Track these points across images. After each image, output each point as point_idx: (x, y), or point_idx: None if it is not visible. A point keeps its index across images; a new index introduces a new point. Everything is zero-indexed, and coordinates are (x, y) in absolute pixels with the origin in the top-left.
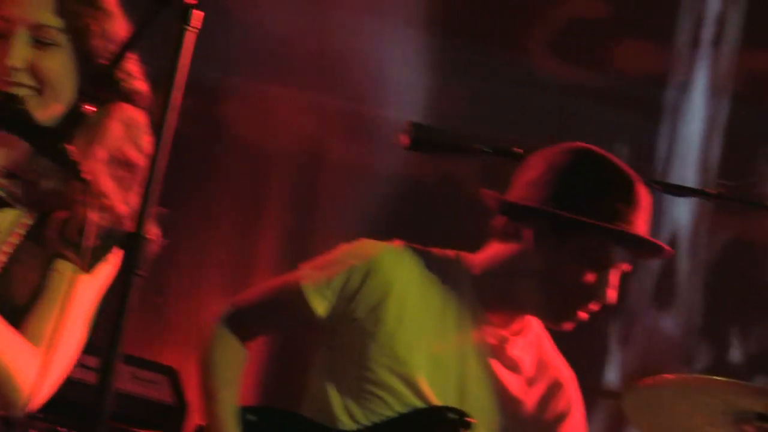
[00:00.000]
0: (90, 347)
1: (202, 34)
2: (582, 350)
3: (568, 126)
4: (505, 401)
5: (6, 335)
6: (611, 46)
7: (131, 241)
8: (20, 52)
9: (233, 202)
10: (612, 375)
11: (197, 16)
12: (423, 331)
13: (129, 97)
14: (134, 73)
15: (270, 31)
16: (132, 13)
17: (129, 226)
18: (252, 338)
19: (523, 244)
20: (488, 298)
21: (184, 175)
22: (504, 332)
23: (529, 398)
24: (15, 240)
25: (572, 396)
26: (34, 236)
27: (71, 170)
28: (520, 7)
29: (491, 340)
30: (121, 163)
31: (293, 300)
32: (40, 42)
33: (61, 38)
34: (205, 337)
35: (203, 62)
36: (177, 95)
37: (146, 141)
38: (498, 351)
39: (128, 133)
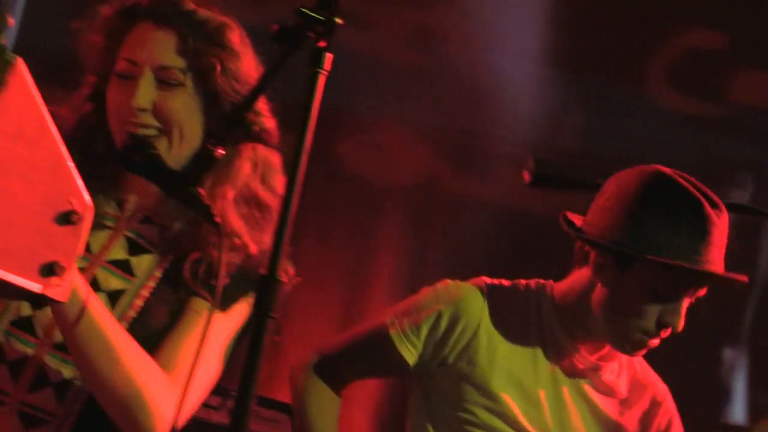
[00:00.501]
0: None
1: None
2: (707, 384)
3: (687, 158)
4: (605, 427)
5: (143, 360)
6: (729, 77)
7: (264, 284)
8: (146, 93)
9: (348, 237)
10: (738, 410)
11: (328, 59)
12: (515, 367)
13: (258, 136)
14: (263, 112)
15: (385, 66)
16: (263, 54)
17: (261, 265)
18: (343, 386)
19: (592, 271)
20: (571, 326)
21: (300, 211)
22: (594, 358)
23: (629, 420)
24: (152, 284)
25: (670, 410)
26: (170, 279)
27: (203, 214)
28: (636, 40)
29: (582, 367)
30: (251, 203)
31: (382, 348)
32: (165, 83)
33: (186, 79)
34: (296, 387)
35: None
36: (309, 137)
37: (278, 180)
38: (591, 377)
39: (258, 172)
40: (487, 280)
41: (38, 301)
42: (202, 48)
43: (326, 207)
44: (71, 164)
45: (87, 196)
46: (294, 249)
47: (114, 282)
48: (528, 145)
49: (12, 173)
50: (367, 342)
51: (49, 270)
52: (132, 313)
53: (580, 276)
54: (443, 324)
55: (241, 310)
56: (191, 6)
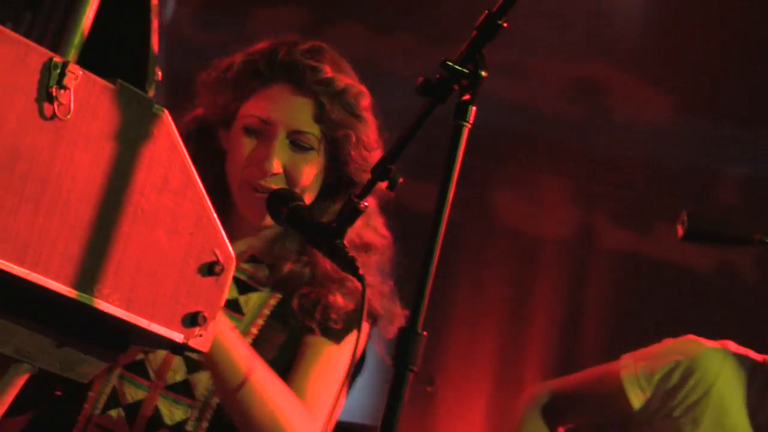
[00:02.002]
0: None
1: (474, 125)
2: None
3: None
4: None
5: (282, 392)
6: None
7: (405, 337)
8: (281, 157)
9: (503, 289)
10: None
11: (473, 112)
12: None
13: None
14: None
15: (538, 119)
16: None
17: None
18: (561, 425)
19: None
20: None
21: (455, 263)
22: None
23: None
24: (261, 321)
25: None
26: (279, 316)
27: (348, 266)
28: None
29: None
30: (360, 248)
31: (610, 389)
32: (297, 146)
33: (318, 144)
34: (516, 417)
35: (472, 151)
36: (452, 190)
37: (380, 223)
38: None
39: (366, 219)
40: (733, 345)
41: (179, 350)
42: (339, 118)
43: (482, 259)
44: (215, 215)
45: (230, 248)
46: (449, 300)
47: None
48: (685, 199)
49: (157, 224)
50: (598, 380)
51: (192, 320)
52: None
53: None
54: (676, 375)
55: (351, 344)
56: (330, 73)
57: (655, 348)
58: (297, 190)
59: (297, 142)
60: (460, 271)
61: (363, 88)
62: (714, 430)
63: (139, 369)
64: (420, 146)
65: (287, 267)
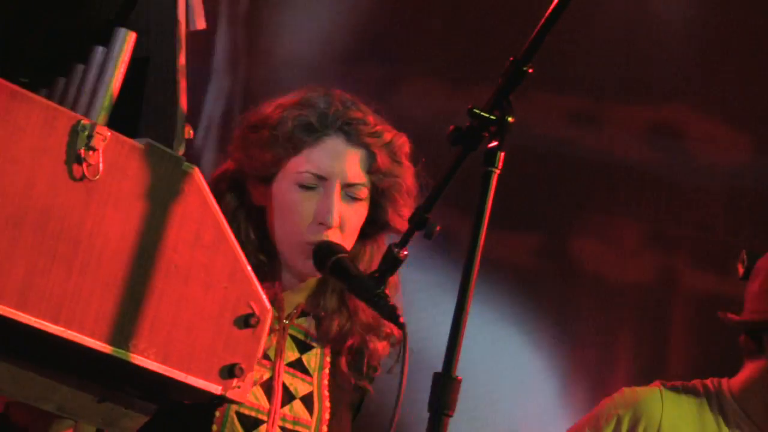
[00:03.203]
0: None
1: (547, 172)
2: None
3: None
4: None
5: None
6: None
7: (440, 382)
8: (338, 211)
9: (586, 334)
10: None
11: (501, 158)
12: None
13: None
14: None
15: (616, 163)
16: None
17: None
18: None
19: (765, 358)
20: (756, 416)
21: (541, 312)
22: None
23: None
24: (326, 380)
25: None
26: (336, 372)
27: (389, 315)
28: None
29: None
30: (391, 287)
31: None
32: (351, 197)
33: (368, 194)
34: None
35: (550, 198)
36: (482, 236)
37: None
38: None
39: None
40: (664, 382)
41: (218, 402)
42: (388, 168)
43: (563, 304)
44: (249, 269)
45: (266, 300)
46: (531, 348)
47: (300, 386)
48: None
49: (192, 279)
50: None
51: (230, 372)
52: (327, 415)
53: (752, 367)
54: (624, 427)
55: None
56: (378, 127)
57: (594, 411)
58: (346, 240)
59: (350, 194)
60: (544, 318)
61: (404, 137)
62: None
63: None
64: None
65: (336, 322)
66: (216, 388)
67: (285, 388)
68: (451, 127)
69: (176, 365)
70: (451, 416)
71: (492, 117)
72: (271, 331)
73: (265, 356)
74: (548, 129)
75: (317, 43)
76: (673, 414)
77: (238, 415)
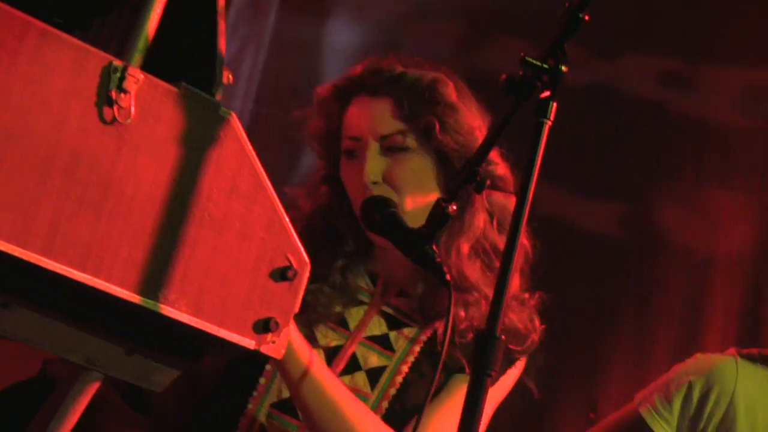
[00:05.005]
0: None
1: (634, 137)
2: None
3: None
4: None
5: (368, 418)
6: None
7: (482, 341)
8: (374, 166)
9: (673, 313)
10: None
11: (554, 109)
12: None
13: (492, 185)
14: (493, 159)
15: (712, 130)
16: (492, 106)
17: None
18: None
19: None
20: None
21: (622, 286)
22: None
23: None
24: (412, 358)
25: None
26: (431, 352)
27: (435, 272)
28: None
29: None
30: (489, 253)
31: (634, 431)
32: (391, 150)
33: (410, 141)
34: None
35: (636, 168)
36: (532, 189)
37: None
38: None
39: (495, 220)
40: (740, 350)
41: (252, 357)
42: (418, 108)
43: (649, 279)
44: (287, 220)
45: (304, 252)
46: (614, 322)
47: (374, 359)
48: None
49: (227, 229)
50: (619, 428)
51: (265, 326)
52: (393, 391)
53: None
54: (696, 395)
55: (505, 383)
56: (399, 69)
57: (665, 376)
58: (406, 195)
59: (388, 147)
60: (627, 291)
61: (442, 76)
62: None
63: (288, 408)
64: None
65: (438, 301)
66: (249, 343)
67: (353, 357)
68: (503, 76)
69: (208, 318)
70: (492, 376)
71: (545, 66)
72: (363, 304)
73: (345, 325)
74: (637, 91)
75: None
76: (748, 383)
77: None
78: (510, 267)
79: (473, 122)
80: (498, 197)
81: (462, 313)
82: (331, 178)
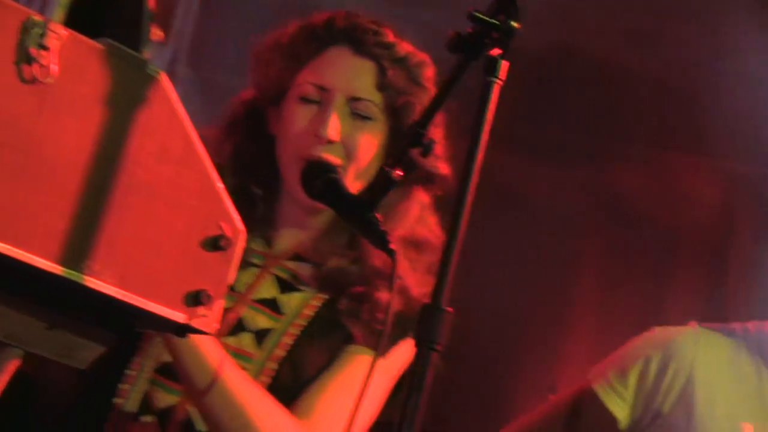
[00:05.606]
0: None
1: (593, 101)
2: None
3: None
4: None
5: (267, 408)
6: None
7: (427, 313)
8: (338, 125)
9: (634, 284)
10: None
11: (504, 67)
12: (741, 412)
13: (431, 180)
14: (440, 156)
15: (671, 91)
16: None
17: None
18: None
19: None
20: None
21: (582, 255)
22: None
23: None
24: (302, 322)
25: None
26: (323, 319)
27: (379, 240)
28: None
29: None
30: (412, 245)
31: (587, 409)
32: (357, 115)
33: (377, 113)
34: None
35: (595, 132)
36: (481, 153)
37: (433, 221)
38: None
39: (422, 214)
40: (700, 323)
41: (183, 332)
42: (402, 85)
43: (609, 250)
44: (221, 186)
45: (238, 220)
46: (574, 296)
47: (261, 321)
48: None
49: (156, 196)
50: (570, 405)
51: (195, 299)
52: (280, 352)
53: None
54: (652, 369)
55: (398, 357)
56: (392, 38)
57: (621, 350)
58: (356, 165)
59: (356, 111)
60: (586, 263)
61: (426, 58)
62: (710, 415)
63: (170, 372)
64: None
65: (333, 264)
66: (180, 317)
67: (241, 320)
68: (451, 33)
69: (135, 290)
70: (439, 350)
71: (495, 22)
72: (254, 266)
73: (235, 289)
74: (596, 50)
75: None
76: (707, 358)
77: None
78: (457, 238)
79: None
80: (426, 195)
81: (383, 295)
82: (251, 119)
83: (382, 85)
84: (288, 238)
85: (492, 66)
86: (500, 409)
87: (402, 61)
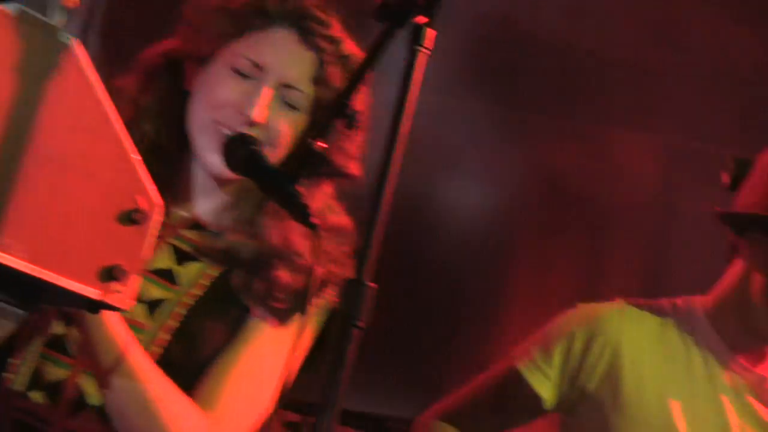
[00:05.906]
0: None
1: (536, 72)
2: None
3: None
4: None
5: (172, 396)
6: None
7: (351, 289)
8: (266, 109)
9: (571, 260)
10: None
11: (430, 36)
12: (669, 389)
13: (339, 178)
14: (354, 156)
15: (603, 66)
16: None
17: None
18: None
19: (745, 261)
20: (729, 334)
21: (517, 237)
22: (758, 369)
23: None
24: (198, 292)
25: None
26: (219, 290)
27: (300, 214)
28: None
29: (745, 380)
30: (328, 232)
31: (512, 387)
32: (286, 103)
33: (305, 105)
34: None
35: (531, 105)
36: (407, 124)
37: (341, 209)
38: (756, 390)
39: (329, 203)
40: (626, 299)
41: (96, 309)
42: (337, 84)
43: (546, 228)
44: (136, 158)
45: (155, 193)
46: (509, 275)
47: (155, 291)
48: None
49: (69, 168)
50: (495, 385)
51: (109, 274)
52: (173, 323)
53: (731, 275)
54: (578, 346)
55: (298, 331)
56: (338, 33)
57: (545, 328)
58: (274, 150)
59: (286, 99)
60: (522, 241)
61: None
62: (638, 392)
63: (59, 346)
64: None
65: (230, 237)
66: (93, 292)
67: None
68: (378, 1)
69: (47, 265)
70: (362, 327)
71: None
72: None
73: None
74: (532, 22)
75: None
76: (634, 334)
77: None
78: (381, 210)
79: (367, 117)
80: (342, 187)
81: (286, 277)
82: (169, 71)
83: (318, 79)
84: (190, 206)
85: (418, 34)
86: (432, 388)
87: (343, 60)
